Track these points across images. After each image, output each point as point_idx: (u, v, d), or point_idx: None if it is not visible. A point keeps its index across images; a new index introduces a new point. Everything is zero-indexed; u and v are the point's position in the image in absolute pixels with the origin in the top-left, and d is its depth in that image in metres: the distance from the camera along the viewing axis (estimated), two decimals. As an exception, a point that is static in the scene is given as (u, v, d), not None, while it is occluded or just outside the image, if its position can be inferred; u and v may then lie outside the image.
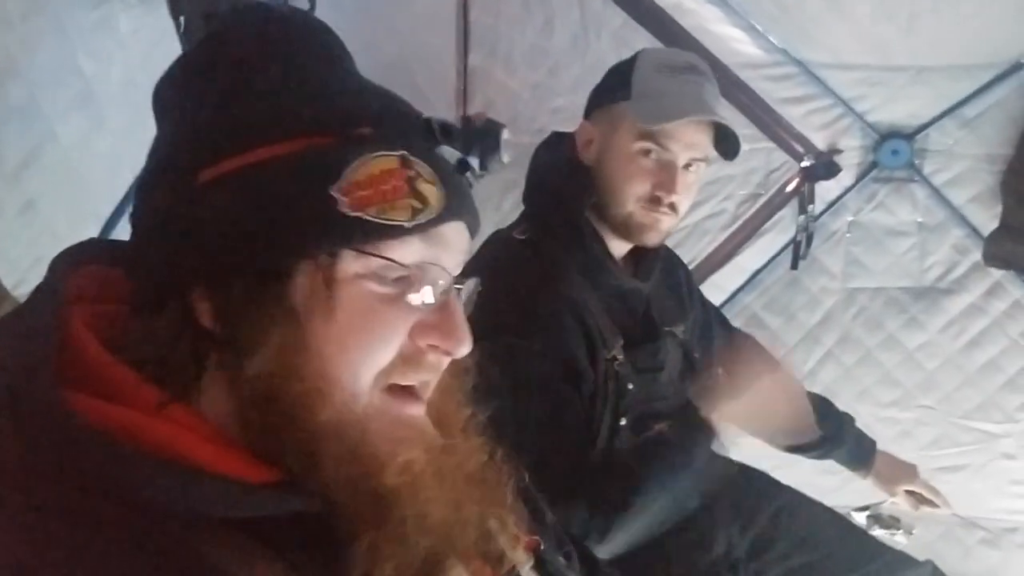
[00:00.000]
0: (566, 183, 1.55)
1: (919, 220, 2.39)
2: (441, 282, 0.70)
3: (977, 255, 2.34)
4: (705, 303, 1.91)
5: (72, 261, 0.72)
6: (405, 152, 0.67)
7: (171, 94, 0.73)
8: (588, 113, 1.59)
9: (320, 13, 2.12)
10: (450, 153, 0.72)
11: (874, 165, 2.37)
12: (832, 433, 1.89)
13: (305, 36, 0.73)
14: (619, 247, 1.58)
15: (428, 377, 0.72)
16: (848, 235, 2.46)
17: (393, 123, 0.69)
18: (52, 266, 0.72)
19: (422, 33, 2.41)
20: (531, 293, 1.46)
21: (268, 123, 0.66)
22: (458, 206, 0.70)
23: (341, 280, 0.65)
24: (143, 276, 0.69)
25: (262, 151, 0.65)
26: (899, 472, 1.92)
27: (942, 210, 2.36)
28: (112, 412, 0.61)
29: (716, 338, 1.86)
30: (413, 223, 0.66)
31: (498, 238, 1.62)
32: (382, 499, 0.66)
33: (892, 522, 1.95)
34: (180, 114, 0.70)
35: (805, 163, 2.38)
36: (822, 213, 2.45)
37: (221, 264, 0.64)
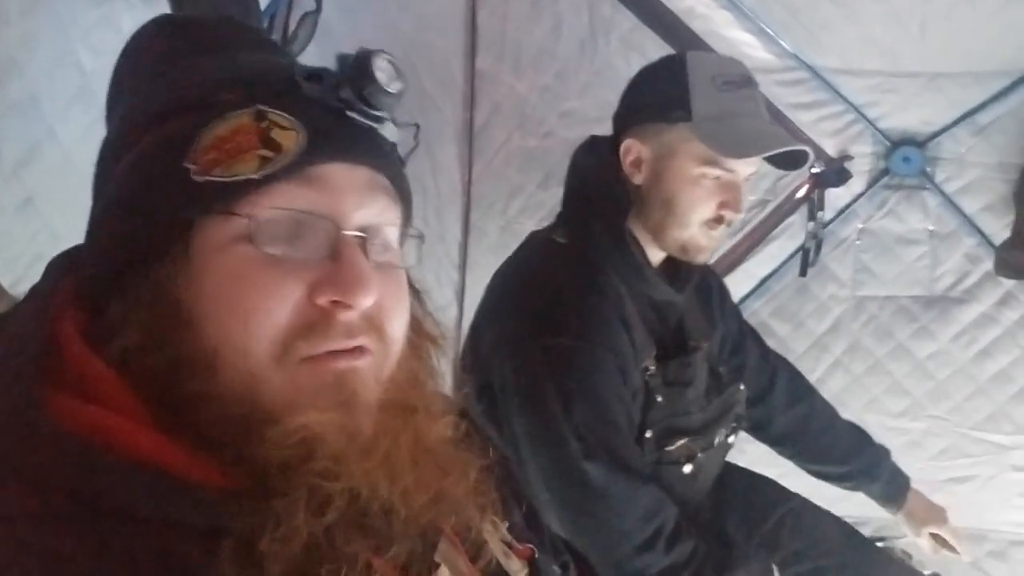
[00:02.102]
0: (609, 194, 1.50)
1: (930, 228, 2.37)
2: (320, 229, 0.66)
3: (989, 264, 2.32)
4: (740, 320, 1.89)
5: (69, 263, 0.72)
6: (261, 106, 0.65)
7: (113, 83, 0.77)
8: (629, 126, 1.51)
9: (327, 15, 2.12)
10: (325, 96, 0.68)
11: (885, 172, 2.35)
12: (866, 467, 1.88)
13: (198, 32, 0.76)
14: (656, 256, 1.56)
15: (353, 341, 0.66)
16: (858, 242, 2.44)
17: (252, 84, 0.68)
18: (48, 268, 0.72)
19: (430, 35, 2.39)
20: (584, 296, 1.45)
21: (153, 111, 0.68)
22: (334, 146, 0.67)
23: (209, 248, 0.64)
24: (88, 273, 0.69)
25: (147, 137, 0.66)
26: (930, 514, 1.90)
27: (954, 218, 2.34)
28: (92, 415, 0.60)
29: (749, 358, 1.84)
30: (262, 172, 0.63)
31: (538, 241, 1.60)
32: (268, 471, 0.61)
33: (905, 557, 1.93)
34: (118, 103, 0.75)
35: (815, 169, 2.35)
36: (832, 220, 2.43)
37: (113, 254, 0.66)
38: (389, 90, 0.68)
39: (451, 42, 2.41)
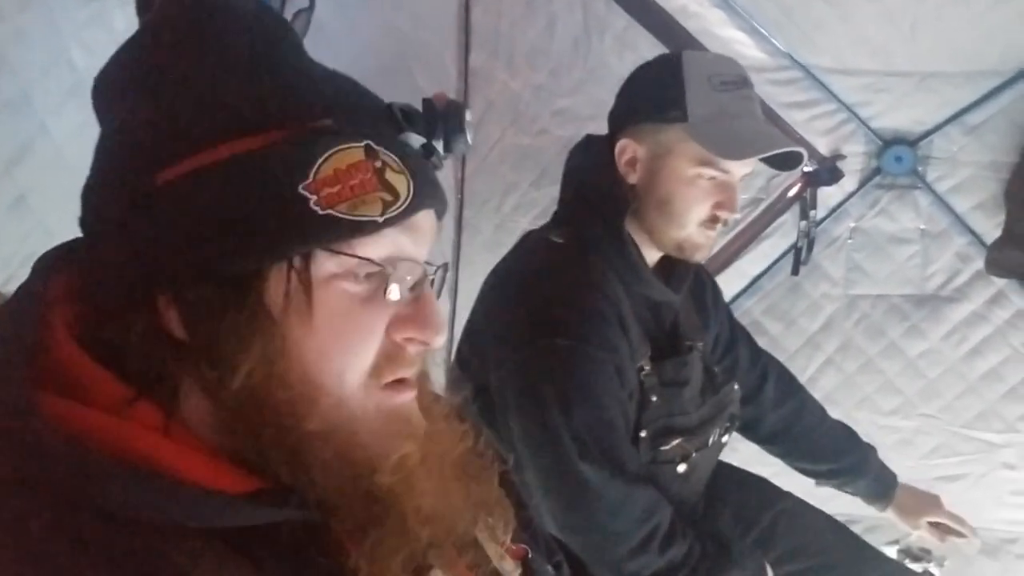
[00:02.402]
0: (605, 194, 1.50)
1: (922, 227, 2.38)
2: (414, 274, 0.68)
3: (980, 263, 2.33)
4: (733, 321, 1.89)
5: (58, 261, 0.70)
6: (369, 142, 0.64)
7: (114, 91, 0.68)
8: (625, 126, 1.50)
9: (321, 13, 2.11)
10: (414, 139, 0.69)
11: (877, 171, 2.36)
12: (853, 465, 1.89)
13: (247, 21, 0.68)
14: (653, 256, 1.55)
15: (412, 370, 0.70)
16: (850, 241, 2.45)
17: (354, 112, 0.66)
18: (36, 266, 0.70)
19: (423, 33, 2.39)
20: (581, 296, 1.44)
21: (226, 119, 0.63)
22: (427, 193, 0.68)
23: (316, 281, 0.63)
24: (104, 283, 0.65)
25: (223, 148, 0.62)
26: (921, 504, 1.90)
27: (945, 217, 2.35)
28: (87, 417, 0.60)
29: (741, 359, 1.85)
30: (384, 217, 0.64)
31: (533, 241, 1.59)
32: (378, 499, 0.65)
33: (923, 554, 1.89)
34: (128, 113, 0.66)
35: (807, 168, 2.36)
36: (824, 219, 2.44)
37: (187, 269, 0.61)
38: (468, 143, 0.72)
39: (445, 39, 2.41)
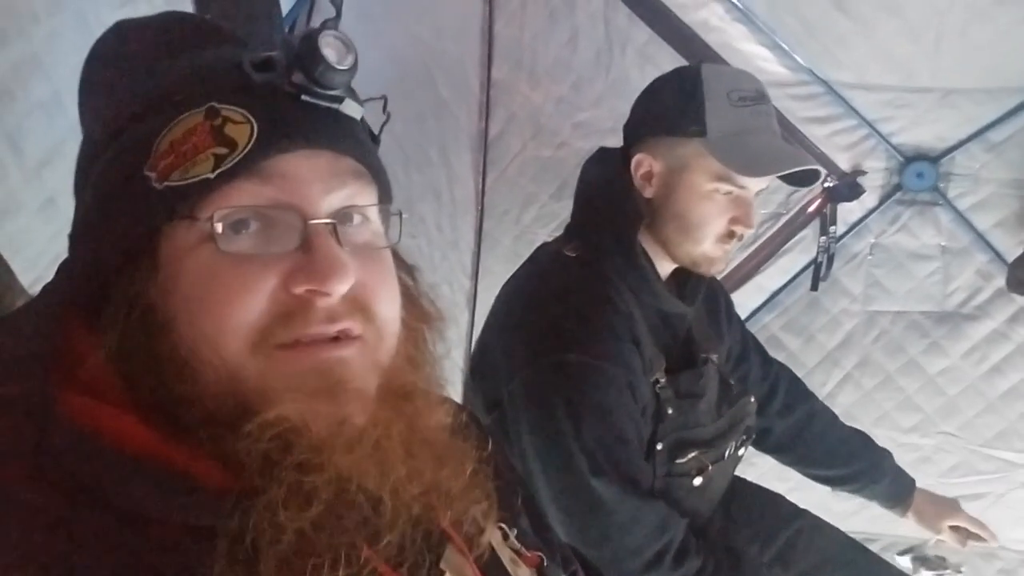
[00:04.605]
0: (619, 207, 1.50)
1: (943, 244, 2.36)
2: (291, 220, 0.64)
3: (1001, 281, 2.31)
4: (744, 332, 1.89)
5: None
6: (213, 103, 0.63)
7: (80, 93, 0.77)
8: (641, 139, 1.50)
9: (346, 23, 2.12)
10: (276, 82, 0.65)
11: (898, 187, 2.35)
12: (868, 468, 1.87)
13: (148, 34, 0.75)
14: (666, 269, 1.56)
15: (337, 325, 0.64)
16: (870, 257, 2.43)
17: (200, 81, 0.66)
18: (60, 267, 0.72)
19: (447, 44, 2.41)
20: (594, 310, 1.44)
21: (115, 119, 0.67)
22: (290, 135, 0.64)
23: (175, 253, 0.63)
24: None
25: (112, 145, 0.67)
26: (941, 508, 1.89)
27: (966, 235, 2.33)
28: (103, 415, 0.61)
29: (752, 369, 1.84)
30: (217, 171, 0.61)
31: (547, 254, 1.60)
32: (249, 466, 0.60)
33: (939, 562, 1.86)
34: (86, 113, 0.75)
35: (828, 184, 2.35)
36: (844, 235, 2.42)
37: (95, 266, 0.66)
38: (340, 67, 0.65)
39: (468, 51, 2.42)
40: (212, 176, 0.61)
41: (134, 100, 0.67)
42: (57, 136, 1.22)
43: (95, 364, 0.63)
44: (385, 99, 0.74)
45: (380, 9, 2.35)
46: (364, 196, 0.69)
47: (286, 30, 1.94)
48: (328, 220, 0.65)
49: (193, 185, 0.61)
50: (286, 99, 0.65)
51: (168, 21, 0.77)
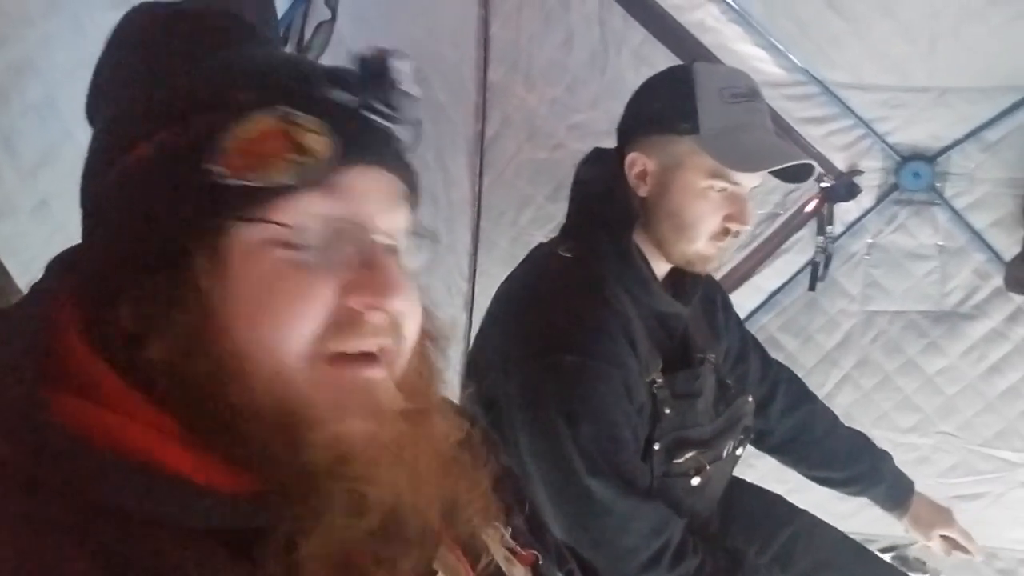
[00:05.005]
0: (614, 207, 1.50)
1: (940, 243, 2.36)
2: (353, 236, 0.66)
3: (998, 280, 2.31)
4: (743, 331, 1.89)
5: (70, 263, 0.70)
6: (286, 107, 0.63)
7: (93, 95, 0.75)
8: (635, 138, 1.50)
9: (342, 25, 2.14)
10: (348, 99, 0.67)
11: (895, 187, 2.35)
12: (869, 470, 1.87)
13: (192, 23, 0.73)
14: (662, 268, 1.55)
15: (378, 341, 0.67)
16: (867, 257, 2.43)
17: (276, 82, 0.66)
18: (49, 266, 0.71)
19: (442, 46, 2.41)
20: (589, 311, 1.44)
21: (154, 112, 0.66)
22: (361, 150, 0.66)
23: (239, 252, 0.63)
24: (83, 281, 0.67)
25: (162, 135, 0.64)
26: (937, 516, 1.89)
27: (963, 234, 2.34)
28: (94, 416, 0.60)
29: (752, 369, 1.84)
30: (297, 179, 0.62)
31: (542, 255, 1.60)
32: (311, 478, 0.61)
33: (919, 565, 1.91)
34: (106, 101, 0.72)
35: (825, 184, 2.36)
36: (841, 234, 2.42)
37: (132, 259, 0.63)
38: (410, 93, 0.68)
39: (463, 54, 2.43)
40: (293, 183, 0.62)
41: (178, 93, 0.67)
42: (51, 138, 1.22)
43: (90, 365, 0.62)
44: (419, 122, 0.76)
45: (375, 12, 2.35)
46: (409, 218, 0.72)
47: (281, 32, 1.94)
48: (390, 240, 0.68)
49: (271, 189, 0.62)
50: (356, 115, 0.67)
51: (202, 11, 0.76)
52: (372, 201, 0.67)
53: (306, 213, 0.64)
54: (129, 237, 0.64)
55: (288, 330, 0.62)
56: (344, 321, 0.64)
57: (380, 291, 0.65)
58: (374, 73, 0.67)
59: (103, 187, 0.67)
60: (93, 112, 0.75)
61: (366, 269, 0.65)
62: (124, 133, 0.67)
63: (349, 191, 0.66)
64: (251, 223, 0.62)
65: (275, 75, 0.68)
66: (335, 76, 0.67)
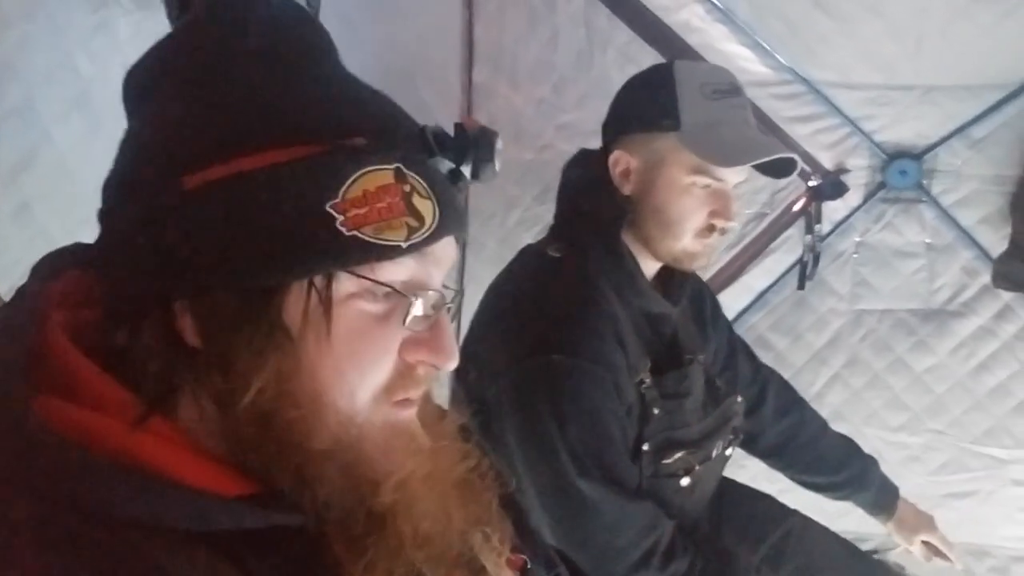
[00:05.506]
0: (601, 206, 1.50)
1: (927, 241, 2.37)
2: (431, 299, 0.68)
3: (986, 277, 2.31)
4: (732, 335, 1.88)
5: (56, 265, 0.70)
6: (400, 165, 0.63)
7: (147, 86, 0.67)
8: (618, 137, 1.50)
9: (324, 24, 2.12)
10: (443, 163, 0.69)
11: (882, 185, 2.35)
12: (856, 476, 1.88)
13: (294, 28, 0.68)
14: (651, 268, 1.55)
15: (420, 390, 0.70)
16: (855, 256, 2.44)
17: (387, 132, 0.65)
18: (34, 269, 0.70)
19: (427, 47, 2.40)
20: (578, 311, 1.43)
21: (261, 128, 0.61)
22: (451, 220, 0.67)
23: (335, 301, 0.63)
24: (119, 284, 0.64)
25: (256, 158, 0.60)
26: (920, 522, 1.91)
27: (951, 231, 2.34)
28: (82, 419, 0.59)
29: (740, 371, 1.84)
30: (409, 243, 0.63)
31: (531, 255, 1.59)
32: (379, 517, 0.65)
33: (898, 569, 1.94)
34: (159, 110, 0.64)
35: (812, 182, 2.36)
36: (829, 233, 2.42)
37: (209, 279, 0.60)
38: (496, 171, 0.71)
39: (448, 54, 2.42)
40: (404, 246, 0.63)
41: (279, 115, 0.62)
42: (30, 143, 1.21)
43: (79, 367, 0.62)
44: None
45: (359, 13, 2.33)
46: None
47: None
48: (449, 303, 0.70)
49: (383, 247, 0.62)
50: (447, 180, 0.69)
51: (280, 18, 0.68)
52: (444, 268, 0.70)
53: (395, 272, 0.65)
54: (212, 252, 0.60)
55: (367, 379, 0.66)
56: (404, 373, 0.68)
57: (440, 355, 0.69)
58: (480, 147, 0.70)
59: (166, 192, 0.60)
60: (133, 105, 0.68)
61: (430, 329, 0.68)
62: (196, 139, 0.62)
63: (433, 259, 0.68)
64: (356, 277, 0.63)
65: (388, 124, 0.66)
66: (442, 142, 0.68)
